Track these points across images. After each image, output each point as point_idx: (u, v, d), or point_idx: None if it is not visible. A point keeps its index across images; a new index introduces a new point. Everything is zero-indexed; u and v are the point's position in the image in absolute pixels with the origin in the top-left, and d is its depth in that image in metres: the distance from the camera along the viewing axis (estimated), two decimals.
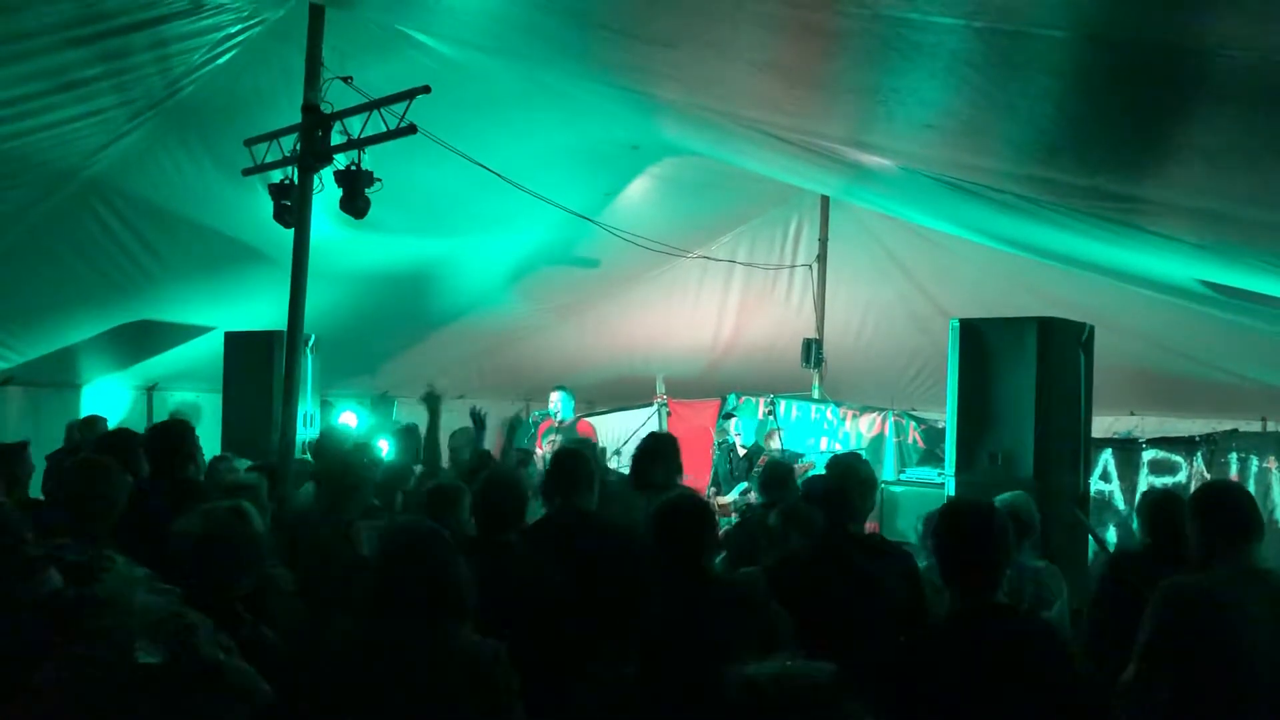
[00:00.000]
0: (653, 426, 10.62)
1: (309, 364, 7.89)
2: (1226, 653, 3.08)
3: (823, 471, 4.73)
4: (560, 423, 9.32)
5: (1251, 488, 8.18)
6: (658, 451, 5.20)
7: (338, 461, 5.18)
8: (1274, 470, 8.25)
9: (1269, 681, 3.09)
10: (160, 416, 9.45)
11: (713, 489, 9.58)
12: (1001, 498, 4.64)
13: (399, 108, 6.13)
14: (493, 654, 2.70)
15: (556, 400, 9.41)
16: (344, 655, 2.74)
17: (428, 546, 2.78)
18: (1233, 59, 2.69)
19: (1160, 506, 4.42)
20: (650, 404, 10.94)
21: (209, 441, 8.03)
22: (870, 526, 7.19)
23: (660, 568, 3.46)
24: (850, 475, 4.37)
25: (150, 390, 10.20)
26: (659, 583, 3.41)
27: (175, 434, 5.13)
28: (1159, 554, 4.15)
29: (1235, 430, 8.74)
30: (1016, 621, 3.03)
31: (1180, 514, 3.65)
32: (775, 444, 9.86)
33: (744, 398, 11.25)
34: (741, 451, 9.76)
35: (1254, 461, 8.30)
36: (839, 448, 10.55)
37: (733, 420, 9.96)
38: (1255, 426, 9.40)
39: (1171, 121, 3.52)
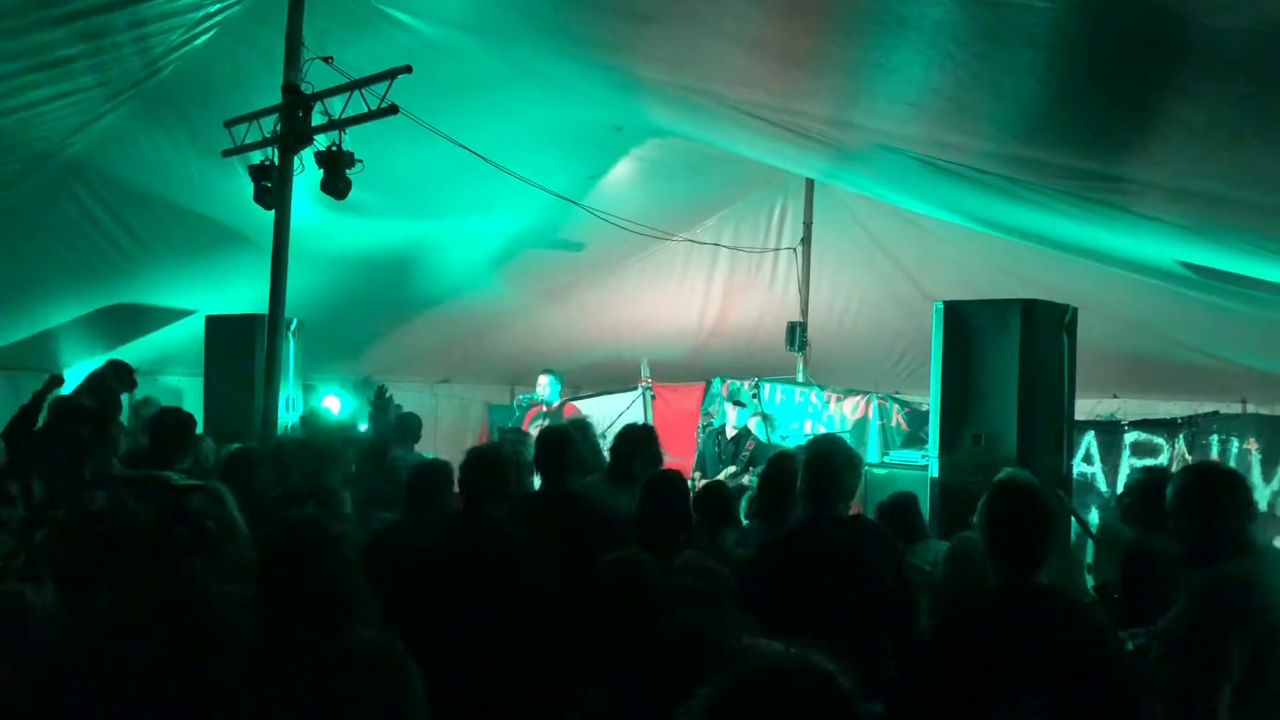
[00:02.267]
0: (637, 410, 10.63)
1: (291, 348, 7.85)
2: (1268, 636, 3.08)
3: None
4: (548, 406, 9.31)
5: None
6: (636, 442, 5.18)
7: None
8: (1254, 452, 8.32)
9: None
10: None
11: (697, 473, 9.57)
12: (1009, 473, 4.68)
13: (380, 88, 6.09)
14: (383, 652, 2.62)
15: (545, 384, 9.40)
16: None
17: (308, 548, 2.67)
18: (1219, 29, 2.68)
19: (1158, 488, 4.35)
20: (635, 388, 10.93)
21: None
22: (854, 509, 7.22)
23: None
24: (836, 456, 4.36)
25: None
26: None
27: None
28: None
29: (1216, 412, 8.80)
30: (1058, 599, 3.05)
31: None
32: (754, 425, 9.85)
33: (728, 381, 11.25)
34: (730, 434, 9.76)
35: (1234, 443, 8.37)
36: (823, 431, 10.56)
37: (734, 406, 9.83)
38: (1235, 409, 9.45)
39: (1157, 96, 3.51)
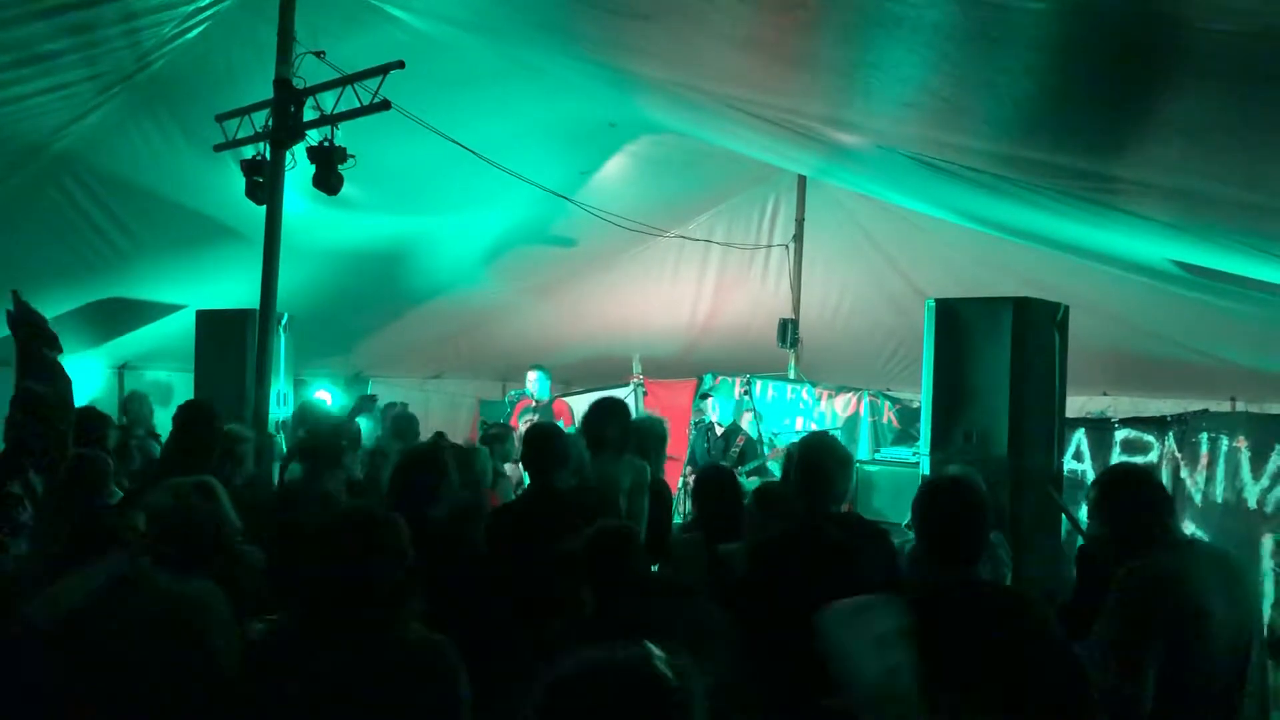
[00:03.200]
0: (629, 406, 10.63)
1: (282, 343, 7.81)
2: (1199, 629, 3.11)
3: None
4: (537, 402, 9.30)
5: (1221, 466, 8.26)
6: (606, 412, 5.19)
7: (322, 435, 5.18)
8: (1243, 450, 8.32)
9: (1228, 652, 3.12)
10: None
11: (689, 468, 9.59)
12: (952, 469, 4.67)
13: (372, 83, 6.07)
14: (435, 647, 2.61)
15: (534, 380, 9.39)
16: (276, 651, 2.65)
17: (366, 537, 2.65)
18: (1216, 31, 2.68)
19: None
20: (626, 384, 10.92)
21: None
22: (844, 507, 7.23)
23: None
24: (827, 454, 4.37)
25: (121, 369, 10.09)
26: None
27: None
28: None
29: (1206, 410, 8.81)
30: (998, 595, 3.06)
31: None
32: (747, 423, 9.88)
33: (720, 378, 11.26)
34: (719, 431, 9.78)
35: (1224, 441, 8.37)
36: (815, 427, 10.58)
37: (709, 400, 9.98)
38: (1225, 406, 9.50)
39: (1152, 97, 3.52)
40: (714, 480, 5.08)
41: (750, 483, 7.82)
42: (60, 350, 6.44)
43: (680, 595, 3.54)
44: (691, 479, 8.97)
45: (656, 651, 1.52)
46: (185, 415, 5.33)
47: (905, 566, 4.01)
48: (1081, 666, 2.92)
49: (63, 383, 5.18)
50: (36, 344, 5.64)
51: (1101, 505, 3.43)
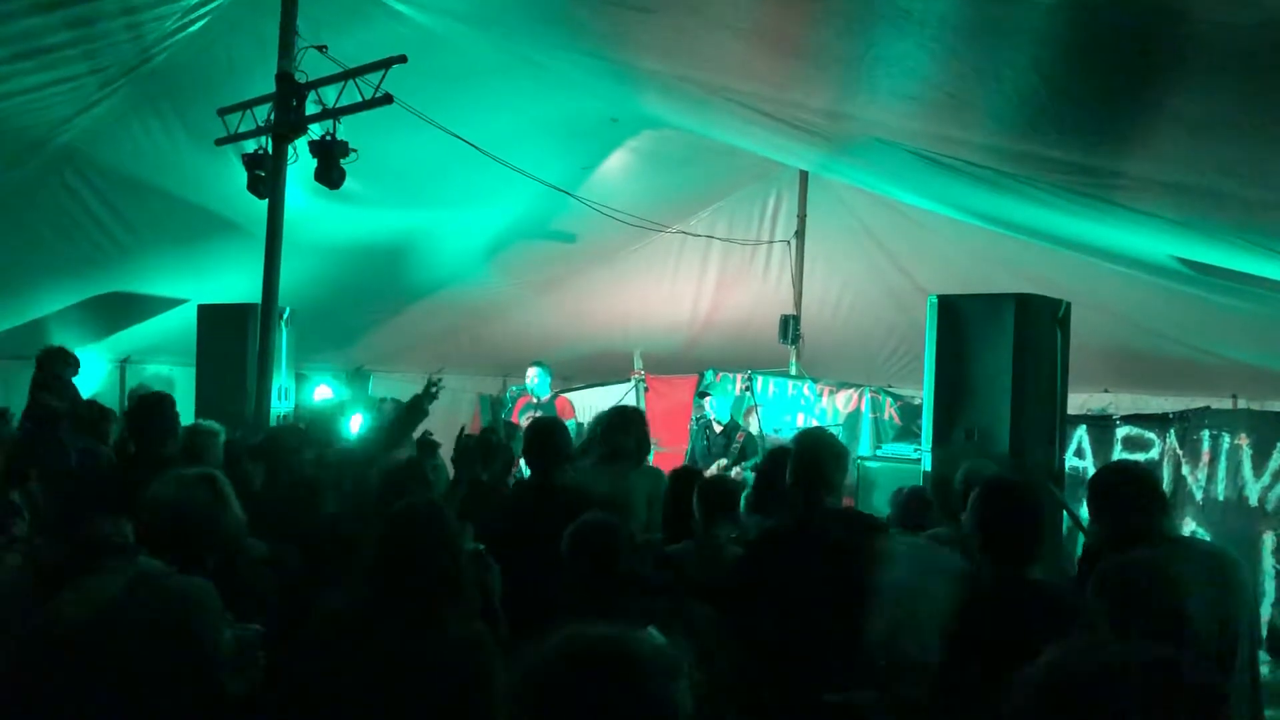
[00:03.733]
0: (630, 403, 10.63)
1: (284, 337, 7.81)
2: (1174, 625, 3.11)
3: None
4: (538, 399, 9.29)
5: (1223, 464, 8.27)
6: (625, 421, 5.18)
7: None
8: (1244, 447, 8.32)
9: (1208, 649, 3.13)
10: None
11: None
12: (972, 464, 4.68)
13: (374, 77, 6.06)
14: (479, 638, 2.68)
15: (534, 375, 9.37)
16: (335, 635, 2.68)
17: (434, 527, 2.73)
18: (1220, 24, 2.67)
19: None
20: (628, 380, 10.93)
21: (184, 415, 7.98)
22: (846, 502, 7.23)
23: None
24: (822, 449, 4.36)
25: (124, 363, 10.10)
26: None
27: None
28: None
29: (1208, 408, 8.81)
30: (1050, 592, 3.07)
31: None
32: (754, 421, 9.88)
33: (721, 374, 11.26)
34: (718, 428, 9.77)
35: (1225, 438, 8.37)
36: (816, 424, 10.58)
37: (707, 399, 9.96)
38: (1226, 404, 9.48)
39: (1158, 92, 3.51)
40: (716, 483, 5.07)
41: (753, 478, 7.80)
42: (76, 370, 6.50)
43: (667, 592, 3.56)
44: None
45: (631, 630, 1.52)
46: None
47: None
48: None
49: (80, 406, 5.23)
50: (57, 369, 5.74)
51: (1093, 504, 3.45)
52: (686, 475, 5.23)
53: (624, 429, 5.09)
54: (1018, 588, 3.01)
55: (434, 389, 5.54)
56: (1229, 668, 3.15)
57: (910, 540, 2.91)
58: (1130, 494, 3.38)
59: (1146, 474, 3.60)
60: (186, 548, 2.94)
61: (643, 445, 5.15)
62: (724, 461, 9.30)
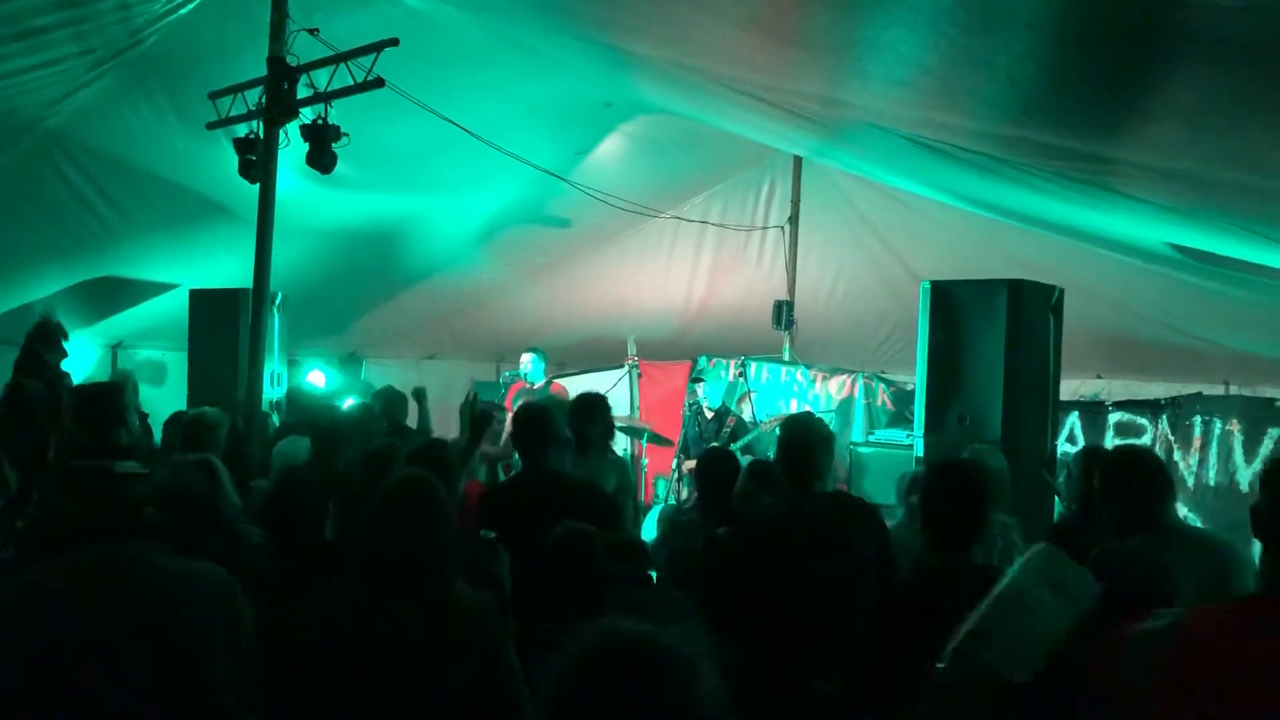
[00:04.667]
0: (624, 389, 10.64)
1: (275, 322, 7.80)
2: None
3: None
4: (532, 385, 9.27)
5: (1214, 450, 8.31)
6: (590, 409, 5.15)
7: (326, 415, 5.16)
8: (1236, 433, 8.37)
9: None
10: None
11: (681, 455, 9.58)
12: (975, 447, 4.67)
13: (366, 61, 6.03)
14: (484, 605, 2.71)
15: (528, 361, 9.35)
16: (338, 619, 2.69)
17: (427, 503, 2.75)
18: (1215, 8, 2.66)
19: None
20: (621, 366, 10.92)
21: (175, 400, 7.98)
22: (839, 487, 7.24)
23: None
24: (808, 433, 4.36)
25: (115, 348, 10.06)
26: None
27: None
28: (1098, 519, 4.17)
29: (1199, 394, 8.85)
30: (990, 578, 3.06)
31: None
32: (746, 407, 9.87)
33: (715, 360, 11.25)
34: (709, 414, 9.77)
35: (1217, 424, 8.42)
36: (809, 410, 10.58)
37: (700, 385, 9.95)
38: (1219, 390, 9.51)
39: (1152, 78, 3.50)
40: (715, 462, 5.07)
41: (746, 459, 7.80)
42: (63, 354, 6.40)
43: (643, 584, 3.60)
44: (686, 465, 8.97)
45: (658, 630, 1.54)
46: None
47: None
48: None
49: (61, 389, 5.13)
50: (39, 348, 5.64)
51: (1103, 487, 3.42)
52: (720, 456, 5.23)
53: (589, 417, 5.07)
54: (958, 571, 3.01)
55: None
56: None
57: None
58: (1134, 481, 3.36)
59: (1159, 461, 3.56)
60: (187, 532, 2.94)
61: (608, 432, 5.15)
62: (715, 446, 9.29)
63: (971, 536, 3.02)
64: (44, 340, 7.12)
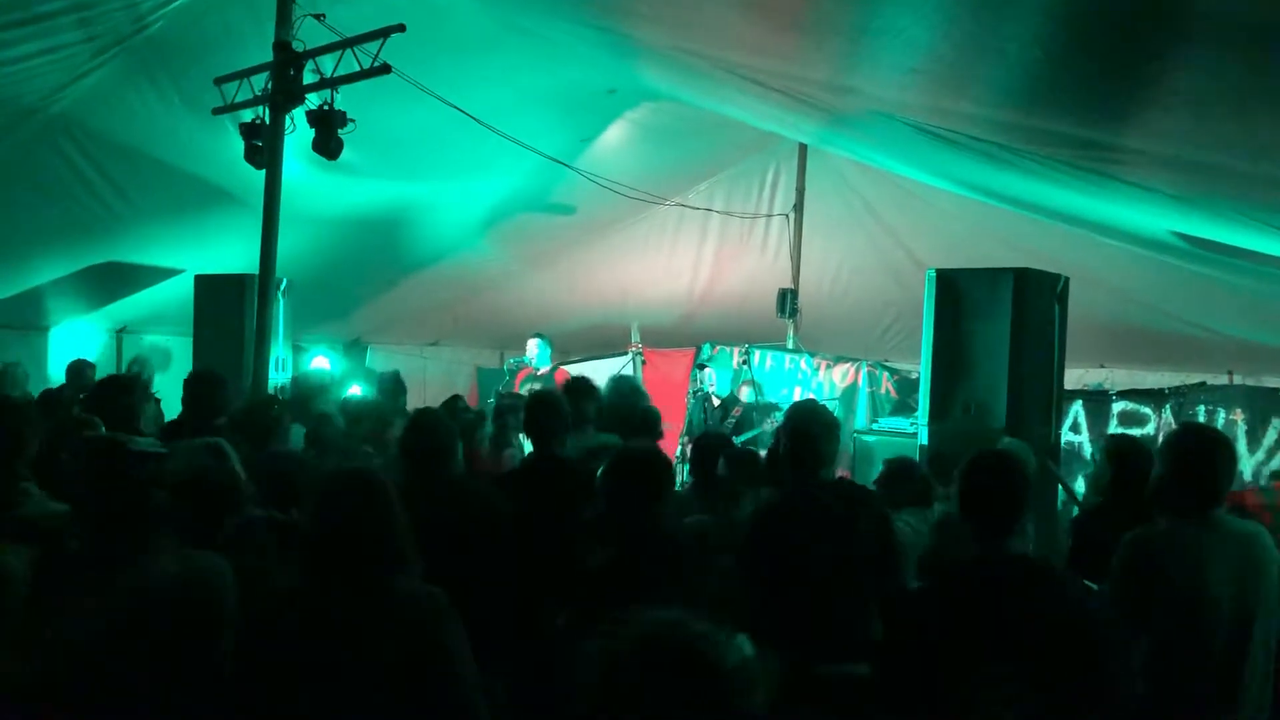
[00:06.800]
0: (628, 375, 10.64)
1: (281, 308, 7.80)
2: (1193, 601, 3.12)
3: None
4: (537, 371, 9.28)
5: None
6: (582, 390, 5.19)
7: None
8: (1239, 423, 8.37)
9: (1230, 627, 3.14)
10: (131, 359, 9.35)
11: (685, 438, 9.60)
12: (1008, 441, 4.68)
13: (372, 47, 6.02)
14: (433, 602, 2.64)
15: (534, 347, 9.35)
16: (279, 615, 2.67)
17: (362, 495, 2.67)
18: None
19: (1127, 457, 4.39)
20: (625, 353, 10.93)
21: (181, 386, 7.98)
22: (841, 474, 7.24)
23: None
24: (813, 420, 4.37)
25: (120, 333, 10.08)
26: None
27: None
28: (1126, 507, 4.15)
29: (1203, 383, 8.85)
30: (1032, 567, 3.07)
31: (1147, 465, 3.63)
32: (745, 394, 9.89)
33: (719, 347, 11.26)
34: (716, 401, 9.79)
35: (1220, 414, 8.42)
36: (813, 398, 10.59)
37: (707, 370, 9.98)
38: (1222, 379, 9.52)
39: (1160, 65, 3.49)
40: (705, 449, 5.08)
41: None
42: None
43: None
44: (690, 448, 8.98)
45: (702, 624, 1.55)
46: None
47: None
48: (1110, 640, 2.94)
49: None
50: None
51: (1172, 466, 3.31)
52: (714, 441, 5.25)
53: (578, 403, 5.12)
54: (999, 561, 3.01)
55: None
56: (1244, 645, 3.16)
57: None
58: (1214, 464, 3.26)
59: (1212, 449, 3.35)
60: (204, 513, 2.95)
61: (599, 416, 5.21)
62: (709, 431, 9.31)
63: (1012, 526, 3.02)
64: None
